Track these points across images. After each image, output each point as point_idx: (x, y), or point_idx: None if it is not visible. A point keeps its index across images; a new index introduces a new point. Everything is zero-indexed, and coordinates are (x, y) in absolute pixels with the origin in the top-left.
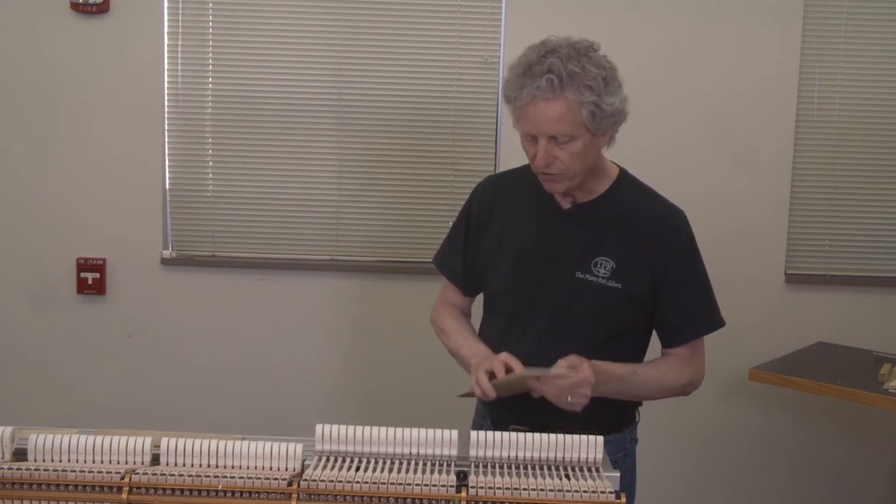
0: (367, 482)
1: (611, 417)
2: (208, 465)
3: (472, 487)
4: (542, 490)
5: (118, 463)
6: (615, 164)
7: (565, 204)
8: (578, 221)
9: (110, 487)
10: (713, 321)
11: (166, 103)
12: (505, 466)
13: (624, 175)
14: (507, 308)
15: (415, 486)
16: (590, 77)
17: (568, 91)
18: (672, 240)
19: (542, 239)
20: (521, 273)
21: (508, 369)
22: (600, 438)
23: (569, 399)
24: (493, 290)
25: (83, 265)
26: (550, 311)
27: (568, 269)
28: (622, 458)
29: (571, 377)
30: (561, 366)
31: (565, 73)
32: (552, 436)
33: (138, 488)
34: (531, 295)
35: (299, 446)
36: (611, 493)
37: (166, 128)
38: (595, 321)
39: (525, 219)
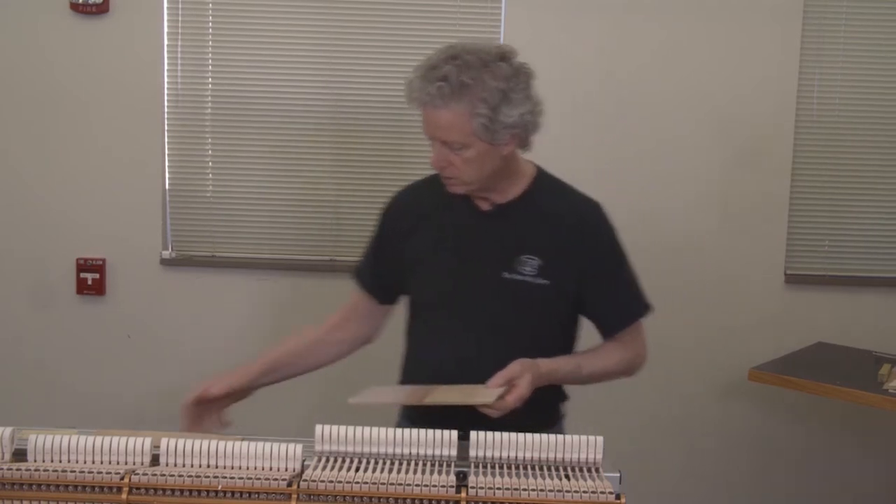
0: (366, 482)
1: (532, 418)
2: (208, 466)
3: (472, 488)
4: (541, 490)
5: (118, 463)
6: (531, 162)
7: (484, 206)
8: (499, 222)
9: (110, 488)
10: (642, 306)
11: (166, 103)
12: (504, 467)
13: (541, 174)
14: (440, 313)
15: (414, 487)
16: (486, 89)
17: (455, 102)
18: (594, 235)
19: (465, 242)
20: (450, 278)
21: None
22: (600, 438)
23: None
24: (421, 295)
25: (83, 265)
26: (483, 313)
27: (494, 270)
28: None
29: (504, 407)
30: (495, 381)
31: (456, 83)
32: (552, 436)
33: (138, 489)
34: (463, 298)
35: (299, 447)
36: (610, 493)
37: (166, 128)
38: (528, 319)
39: (448, 223)
